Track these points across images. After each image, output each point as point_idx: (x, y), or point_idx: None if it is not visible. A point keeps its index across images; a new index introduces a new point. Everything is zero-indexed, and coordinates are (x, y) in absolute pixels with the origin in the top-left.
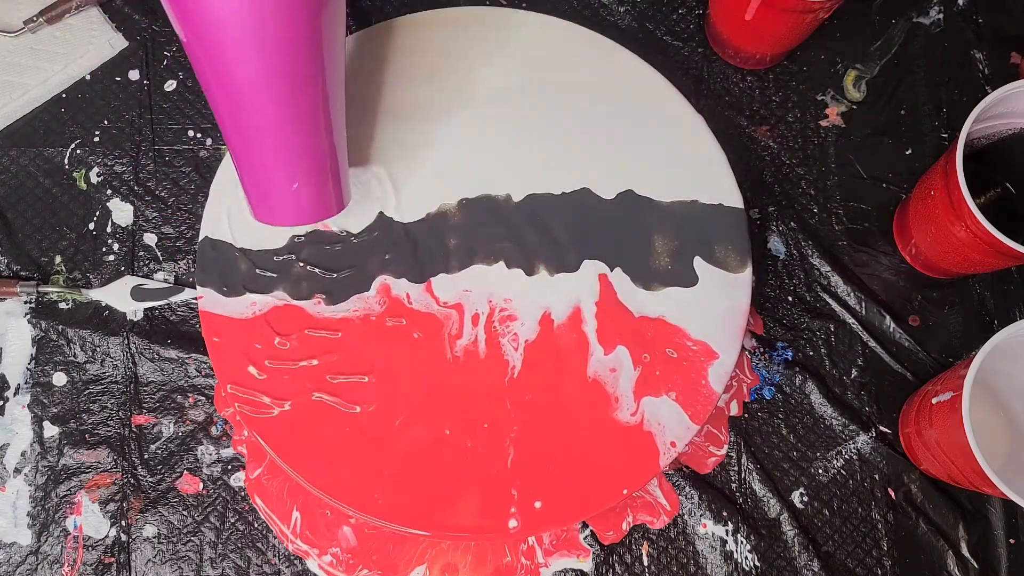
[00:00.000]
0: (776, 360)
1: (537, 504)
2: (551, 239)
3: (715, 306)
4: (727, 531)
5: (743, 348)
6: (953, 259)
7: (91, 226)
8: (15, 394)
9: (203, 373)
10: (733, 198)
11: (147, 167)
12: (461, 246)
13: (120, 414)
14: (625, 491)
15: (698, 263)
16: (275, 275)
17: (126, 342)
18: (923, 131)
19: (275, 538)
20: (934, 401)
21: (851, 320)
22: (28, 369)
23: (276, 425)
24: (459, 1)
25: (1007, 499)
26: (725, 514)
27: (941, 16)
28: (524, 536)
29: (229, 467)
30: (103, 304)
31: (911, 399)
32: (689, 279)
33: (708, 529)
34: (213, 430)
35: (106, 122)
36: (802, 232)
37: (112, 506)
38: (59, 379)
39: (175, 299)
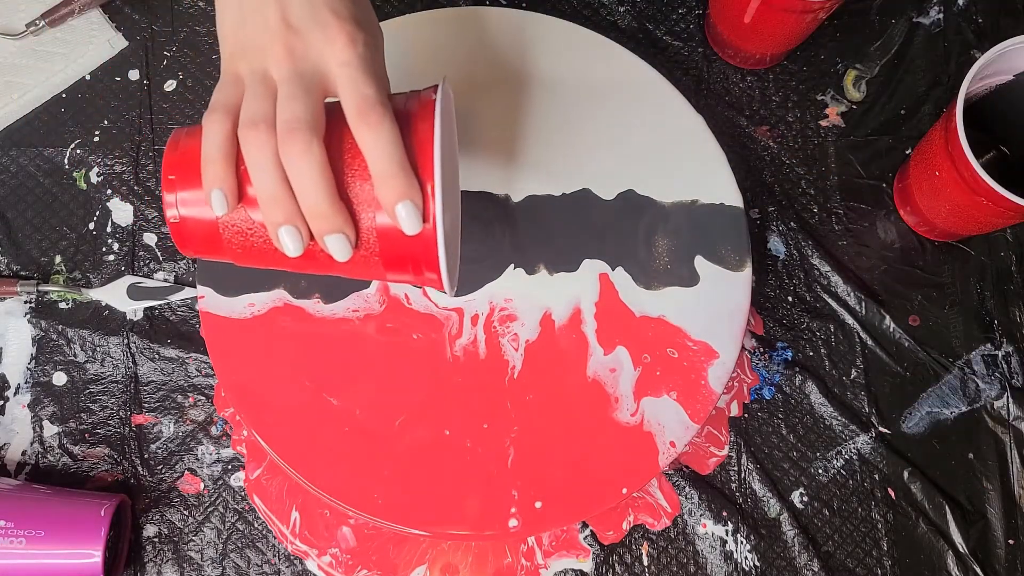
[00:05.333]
0: (776, 360)
1: (537, 504)
2: (551, 239)
3: (715, 306)
4: (727, 531)
5: (743, 348)
6: (957, 222)
7: (91, 226)
8: (15, 394)
9: (203, 373)
10: (733, 198)
11: (147, 167)
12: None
13: (120, 414)
14: (625, 491)
15: (699, 263)
16: (275, 274)
17: (126, 342)
18: (923, 131)
19: (275, 538)
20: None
21: (851, 320)
22: (28, 369)
23: (276, 425)
24: (459, 1)
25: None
26: (725, 514)
27: (941, 16)
28: (524, 536)
29: (229, 467)
30: (103, 304)
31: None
32: (690, 279)
33: (708, 529)
34: (213, 430)
35: (106, 122)
36: (802, 232)
37: None
38: (59, 379)
39: (173, 298)
